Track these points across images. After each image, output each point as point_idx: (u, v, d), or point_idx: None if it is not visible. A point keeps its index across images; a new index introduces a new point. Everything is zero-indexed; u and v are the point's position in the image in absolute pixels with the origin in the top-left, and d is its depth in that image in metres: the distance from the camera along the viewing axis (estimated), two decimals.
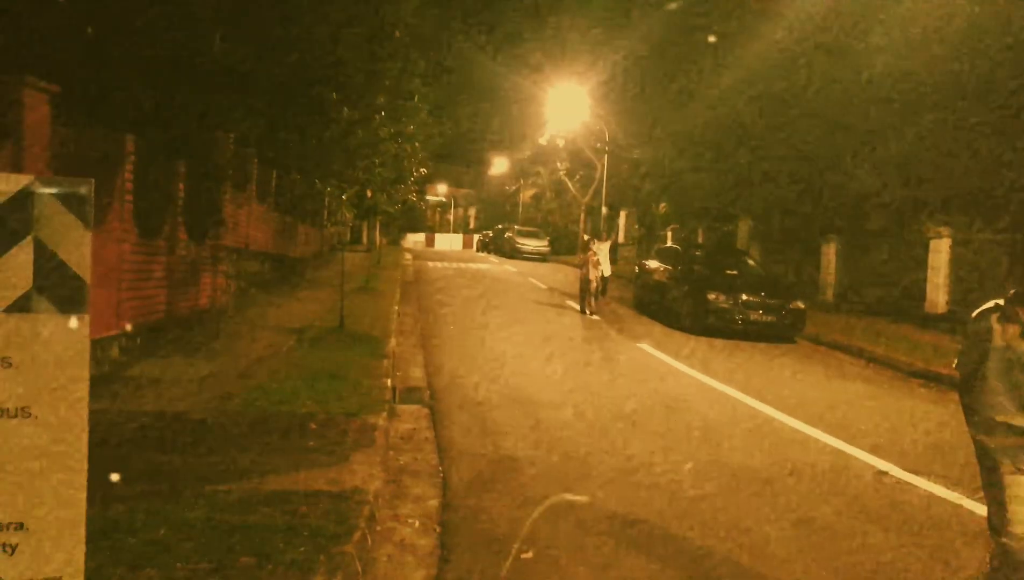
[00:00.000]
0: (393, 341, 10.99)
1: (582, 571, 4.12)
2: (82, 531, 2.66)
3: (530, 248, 37.32)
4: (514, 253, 37.15)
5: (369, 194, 11.40)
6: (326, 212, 11.09)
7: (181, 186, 9.90)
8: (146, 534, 3.73)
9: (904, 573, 4.40)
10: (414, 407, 7.66)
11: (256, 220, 14.81)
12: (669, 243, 24.29)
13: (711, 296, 14.09)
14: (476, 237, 51.05)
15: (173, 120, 9.18)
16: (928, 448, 7.30)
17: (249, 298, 13.84)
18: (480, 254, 42.16)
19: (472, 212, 68.53)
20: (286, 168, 14.03)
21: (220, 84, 9.46)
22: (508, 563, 4.14)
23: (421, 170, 17.97)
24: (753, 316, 13.92)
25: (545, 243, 38.14)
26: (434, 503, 5.00)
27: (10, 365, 2.54)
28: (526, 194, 52.75)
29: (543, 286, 22.44)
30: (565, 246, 39.65)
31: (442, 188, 63.92)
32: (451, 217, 66.69)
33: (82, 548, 2.66)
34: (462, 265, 30.15)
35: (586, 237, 19.42)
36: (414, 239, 52.89)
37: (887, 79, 18.29)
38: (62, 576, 2.63)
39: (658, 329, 14.71)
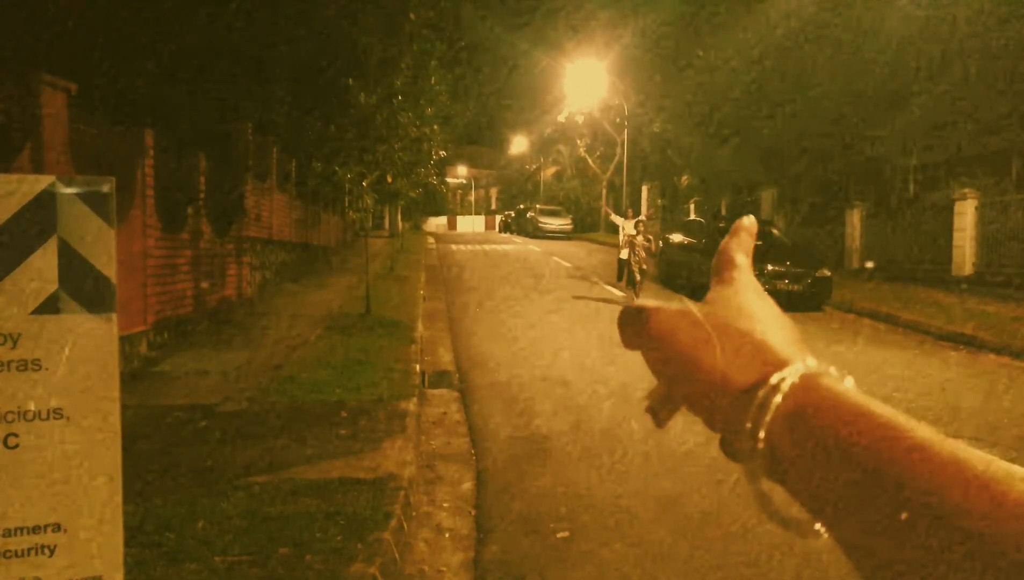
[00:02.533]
0: (420, 326, 10.99)
1: (618, 548, 4.09)
2: (120, 529, 2.66)
3: (553, 226, 37.13)
4: (537, 232, 36.99)
5: (390, 179, 11.34)
6: (347, 198, 11.08)
7: (202, 179, 9.93)
8: (184, 528, 3.75)
9: None
10: (444, 391, 7.66)
11: (278, 209, 14.86)
12: (692, 216, 24.03)
13: None
14: (498, 218, 50.95)
15: (191, 112, 9.20)
16: (965, 411, 7.16)
17: (275, 287, 13.92)
18: (503, 235, 42.06)
19: (493, 193, 68.38)
20: (306, 156, 14.04)
21: (237, 74, 9.45)
22: (544, 542, 4.11)
23: (441, 153, 17.90)
24: (779, 285, 13.73)
25: (568, 221, 37.92)
26: (468, 486, 4.99)
27: (41, 367, 2.53)
28: (547, 172, 52.48)
29: (568, 265, 22.34)
30: (588, 223, 39.40)
31: (462, 170, 63.80)
32: (472, 199, 66.58)
33: (120, 546, 2.67)
34: (486, 247, 30.12)
35: (628, 219, 15.86)
36: (436, 223, 52.92)
37: (911, 42, 17.83)
38: (102, 576, 2.64)
39: (687, 304, 14.55)
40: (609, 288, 16.72)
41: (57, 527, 2.58)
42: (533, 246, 30.38)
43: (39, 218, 2.53)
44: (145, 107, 8.35)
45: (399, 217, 35.12)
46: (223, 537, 3.66)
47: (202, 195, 9.89)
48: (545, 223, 37.51)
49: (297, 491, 4.34)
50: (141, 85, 8.51)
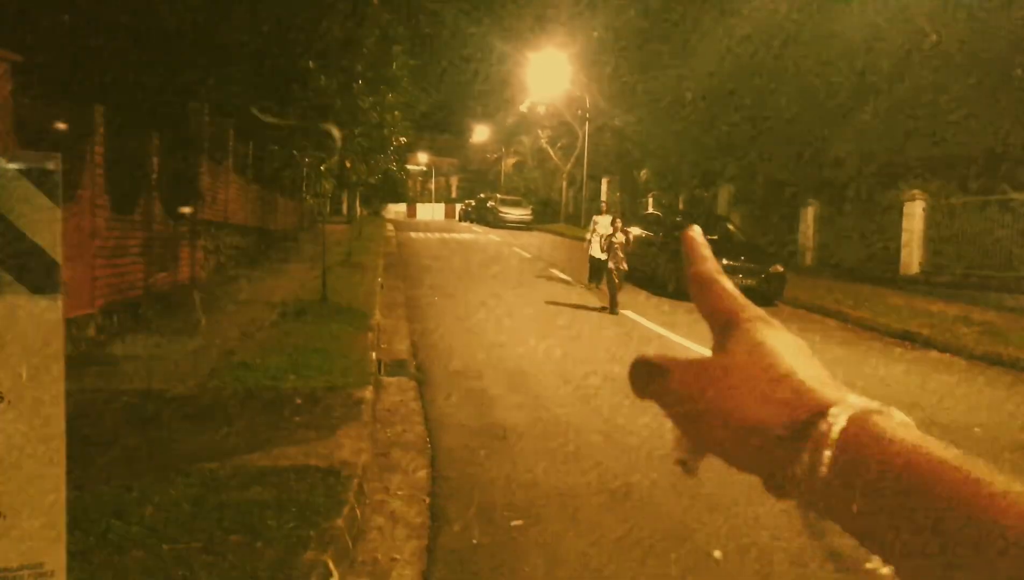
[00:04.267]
0: (377, 314, 10.91)
1: (571, 537, 4.13)
2: (63, 515, 2.60)
3: (513, 217, 37.22)
4: (497, 222, 37.02)
5: (348, 165, 11.20)
6: (305, 184, 10.88)
7: (155, 159, 9.68)
8: (132, 515, 3.67)
9: None
10: (400, 379, 7.62)
11: (235, 193, 14.58)
12: (651, 209, 24.28)
13: None
14: (459, 207, 50.78)
15: (144, 90, 8.95)
16: (907, 406, 7.39)
17: (229, 272, 13.67)
18: (463, 224, 41.98)
19: (454, 181, 68.07)
20: (264, 139, 13.79)
21: (194, 53, 9.21)
22: (498, 531, 4.13)
23: (401, 140, 17.72)
24: (734, 280, 13.73)
25: (528, 212, 38.03)
26: (423, 474, 4.98)
27: None
28: (508, 163, 52.44)
29: (527, 255, 22.39)
30: (548, 214, 39.54)
31: (423, 157, 63.31)
32: (432, 186, 66.20)
33: (63, 533, 2.61)
34: (445, 235, 30.00)
35: (602, 214, 14.94)
36: (396, 210, 52.47)
37: (866, 48, 18.24)
38: (44, 562, 2.57)
39: (643, 296, 14.74)
40: (566, 277, 16.81)
41: None
42: (493, 236, 30.37)
43: None
44: (95, 83, 8.09)
45: (358, 203, 34.77)
46: (172, 524, 3.60)
47: (155, 175, 9.65)
48: (505, 213, 37.58)
49: (249, 478, 4.29)
50: (92, 60, 8.24)
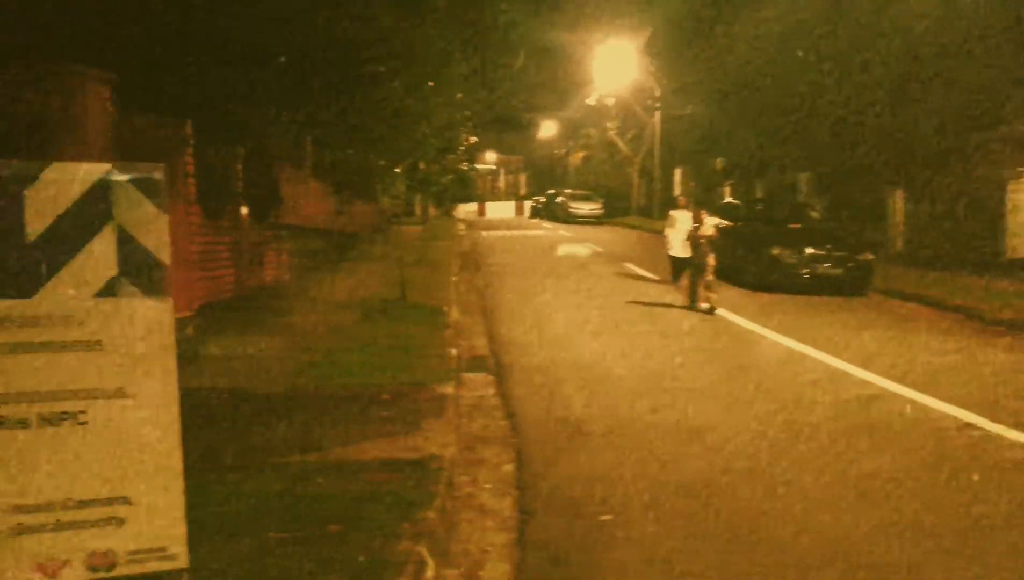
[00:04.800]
0: (454, 311, 11.06)
1: (661, 534, 4.10)
2: (182, 503, 2.74)
3: (584, 211, 36.95)
4: (568, 217, 36.84)
5: (422, 166, 11.37)
6: (380, 186, 11.12)
7: (240, 168, 10.07)
8: (235, 505, 3.84)
9: (1000, 528, 4.25)
10: (480, 375, 7.71)
11: (313, 198, 15.02)
12: (728, 199, 23.75)
13: (775, 251, 13.74)
14: (528, 203, 50.83)
15: (229, 103, 9.32)
16: (1016, 398, 7.02)
17: (310, 274, 14.09)
18: (533, 221, 41.98)
19: (522, 178, 68.21)
20: (340, 145, 14.14)
21: (275, 67, 9.54)
22: (588, 526, 4.14)
23: (471, 139, 17.89)
24: (820, 270, 13.55)
25: (599, 206, 37.68)
26: (509, 468, 5.03)
27: (104, 348, 2.61)
28: (576, 157, 52.16)
29: (600, 250, 22.27)
30: (619, 208, 39.13)
31: (491, 156, 63.65)
32: (501, 184, 66.51)
33: (183, 519, 2.75)
34: (516, 233, 30.12)
35: (679, 209, 14.09)
36: (466, 209, 52.91)
37: (953, 7, 17.30)
38: (166, 547, 2.73)
39: (723, 288, 14.43)
40: (643, 272, 16.63)
41: (125, 500, 2.67)
42: (564, 231, 30.30)
43: (97, 205, 2.60)
44: (184, 98, 8.48)
45: (430, 204, 35.21)
46: (272, 514, 3.75)
47: (240, 184, 10.03)
48: (576, 208, 37.33)
49: (341, 471, 4.42)
50: (180, 76, 8.64)
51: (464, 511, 4.31)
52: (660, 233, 15.94)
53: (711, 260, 11.59)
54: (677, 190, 35.06)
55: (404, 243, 12.53)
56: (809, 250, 13.67)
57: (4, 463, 2.55)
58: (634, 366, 8.16)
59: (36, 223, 2.52)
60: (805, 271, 13.55)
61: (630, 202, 38.86)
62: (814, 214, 16.91)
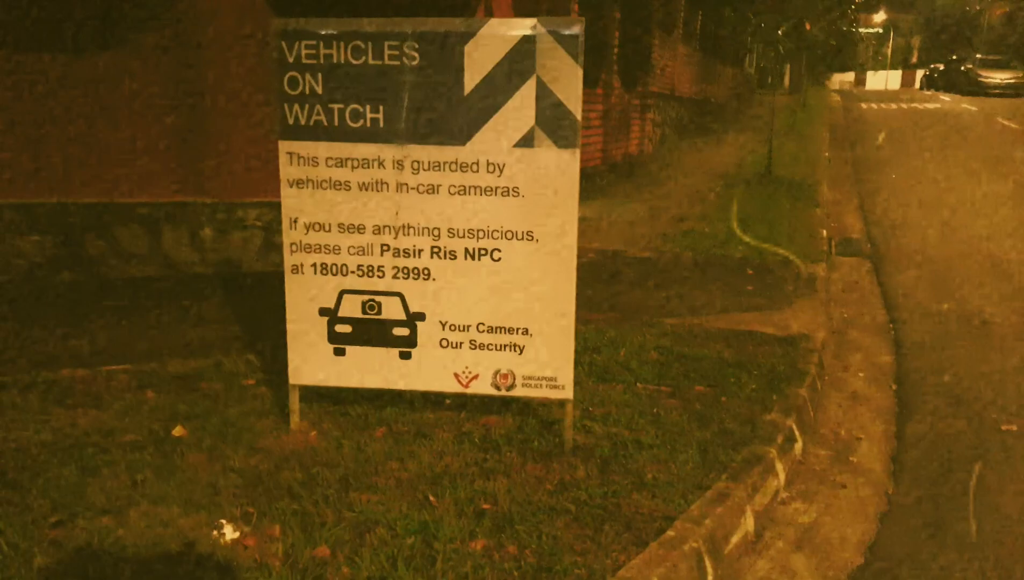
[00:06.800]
0: (825, 188, 10.23)
1: None
2: (572, 339, 3.02)
3: (996, 81, 30.76)
4: (974, 88, 31.03)
5: (808, 26, 10.31)
6: (751, 52, 10.33)
7: (616, 33, 10.13)
8: (608, 354, 4.13)
9: None
10: (853, 259, 7.11)
11: (681, 64, 14.65)
12: None
13: None
14: (919, 72, 43.92)
15: None
16: None
17: (673, 143, 14.01)
18: (927, 92, 36.26)
19: (915, 43, 58.72)
20: (717, 4, 13.38)
21: None
22: (984, 430, 3.69)
23: None
24: None
25: (1018, 74, 31.05)
26: (887, 359, 4.64)
27: (519, 194, 2.89)
28: (993, 13, 43.11)
29: (1015, 126, 18.57)
30: None
31: (878, 17, 55.48)
32: (888, 50, 58.00)
33: (571, 354, 3.04)
34: (904, 105, 26.35)
35: None
36: (841, 80, 47.50)
37: None
38: (556, 377, 3.05)
39: None
40: None
41: (525, 331, 3.01)
42: (967, 104, 25.69)
43: (523, 58, 2.79)
44: None
45: (803, 72, 32.26)
46: (643, 367, 3.96)
47: (616, 50, 10.13)
48: (986, 77, 31.19)
49: (709, 336, 4.48)
50: None
51: (833, 395, 4.11)
52: None
53: None
54: None
55: (773, 113, 11.74)
56: None
57: (436, 286, 3.02)
58: None
59: (473, 76, 2.81)
60: None
61: None
62: None
